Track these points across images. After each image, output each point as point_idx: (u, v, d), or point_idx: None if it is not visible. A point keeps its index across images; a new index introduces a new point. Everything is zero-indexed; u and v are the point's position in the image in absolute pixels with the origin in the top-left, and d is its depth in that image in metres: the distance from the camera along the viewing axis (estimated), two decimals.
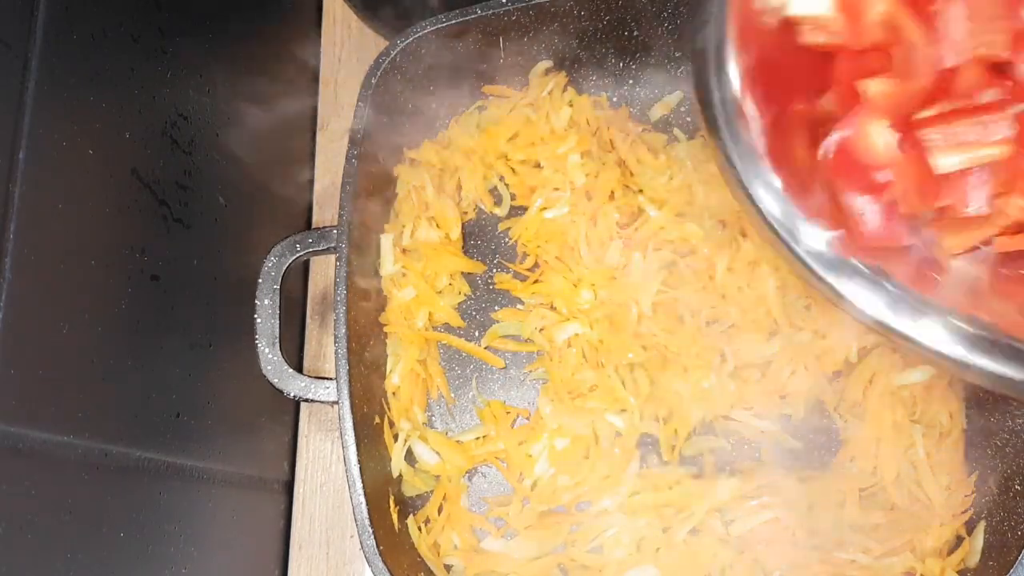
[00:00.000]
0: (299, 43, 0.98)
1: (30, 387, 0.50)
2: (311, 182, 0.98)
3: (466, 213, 0.87)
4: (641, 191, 0.83)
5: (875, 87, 0.49)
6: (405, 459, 0.80)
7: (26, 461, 0.49)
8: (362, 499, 0.69)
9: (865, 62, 0.50)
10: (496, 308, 0.85)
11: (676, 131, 0.87)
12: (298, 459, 0.89)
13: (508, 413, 0.81)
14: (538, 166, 0.86)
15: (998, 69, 0.47)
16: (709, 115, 0.55)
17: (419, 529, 0.78)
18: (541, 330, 0.82)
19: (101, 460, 0.57)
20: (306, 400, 0.73)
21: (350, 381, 0.72)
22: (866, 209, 0.50)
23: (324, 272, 0.94)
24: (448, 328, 0.85)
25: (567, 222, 0.83)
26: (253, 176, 0.85)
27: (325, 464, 0.89)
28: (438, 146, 0.87)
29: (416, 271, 0.83)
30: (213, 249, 0.75)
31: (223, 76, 0.78)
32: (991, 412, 0.75)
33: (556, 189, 0.84)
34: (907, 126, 0.49)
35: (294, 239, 0.75)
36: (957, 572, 0.72)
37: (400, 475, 0.80)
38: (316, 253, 0.76)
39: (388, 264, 0.83)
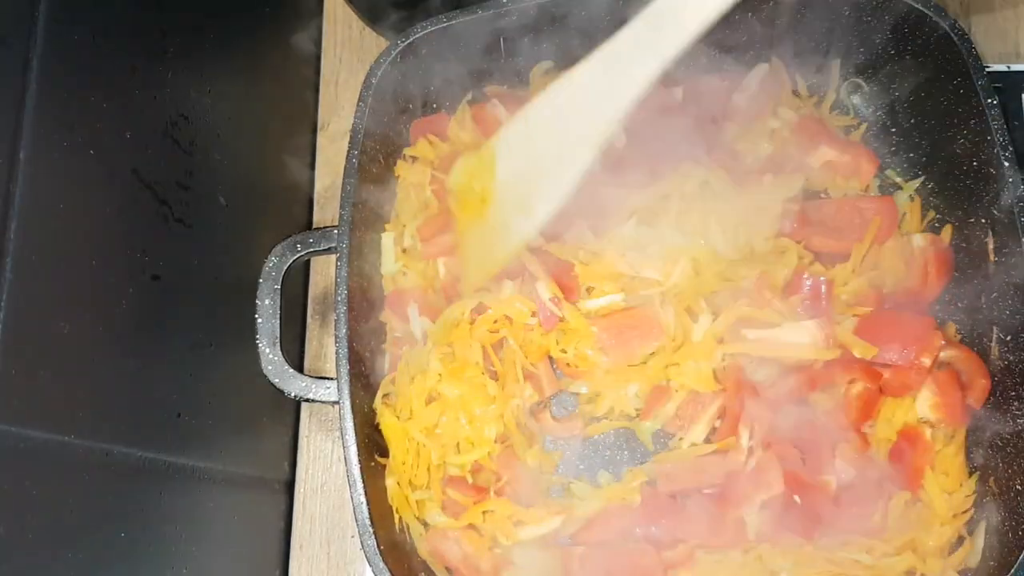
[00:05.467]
0: (300, 43, 0.98)
1: (30, 387, 0.50)
2: (311, 182, 0.98)
3: None
4: None
5: None
6: None
7: (26, 461, 0.49)
8: (363, 499, 0.69)
9: None
10: None
11: None
12: (299, 459, 0.89)
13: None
14: None
15: None
16: None
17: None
18: None
19: (102, 460, 0.57)
20: (307, 400, 0.73)
21: (351, 381, 0.72)
22: None
23: (325, 272, 0.94)
24: None
25: None
26: (254, 176, 0.85)
27: (326, 464, 0.89)
28: (438, 145, 0.87)
29: (417, 270, 0.83)
30: (214, 249, 0.75)
31: (224, 76, 0.78)
32: (992, 413, 0.75)
33: None
34: None
35: (295, 239, 0.75)
36: (958, 572, 0.72)
37: None
38: (317, 253, 0.76)
39: (389, 263, 0.83)
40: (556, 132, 0.63)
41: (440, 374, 0.77)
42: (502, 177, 0.67)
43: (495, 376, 0.78)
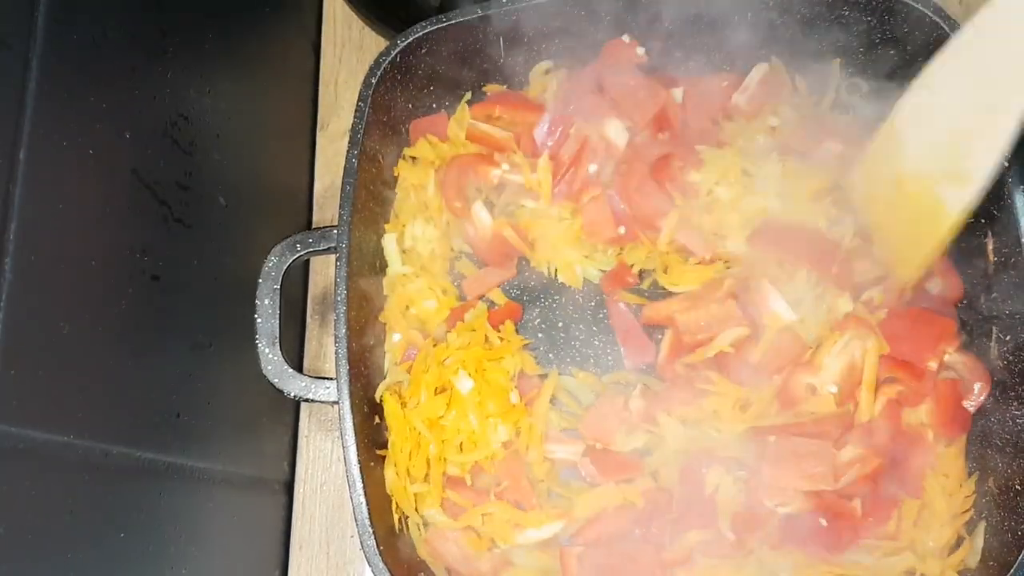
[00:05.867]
0: (299, 43, 0.98)
1: (30, 387, 0.50)
2: (311, 182, 0.98)
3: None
4: None
5: None
6: None
7: (26, 461, 0.49)
8: (362, 499, 0.69)
9: None
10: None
11: None
12: (298, 459, 0.89)
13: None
14: None
15: None
16: None
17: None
18: None
19: (101, 460, 0.57)
20: (306, 400, 0.73)
21: (350, 381, 0.71)
22: None
23: (324, 272, 0.94)
24: None
25: None
26: (253, 176, 0.85)
27: (325, 464, 0.89)
28: (438, 146, 0.87)
29: (417, 268, 0.83)
30: (213, 249, 0.75)
31: (223, 76, 0.78)
32: (991, 413, 0.75)
33: None
34: None
35: (294, 239, 0.75)
36: (957, 572, 0.72)
37: None
38: (316, 253, 0.76)
39: (396, 264, 0.83)
40: (970, 87, 0.57)
41: (461, 362, 0.76)
42: (915, 152, 0.62)
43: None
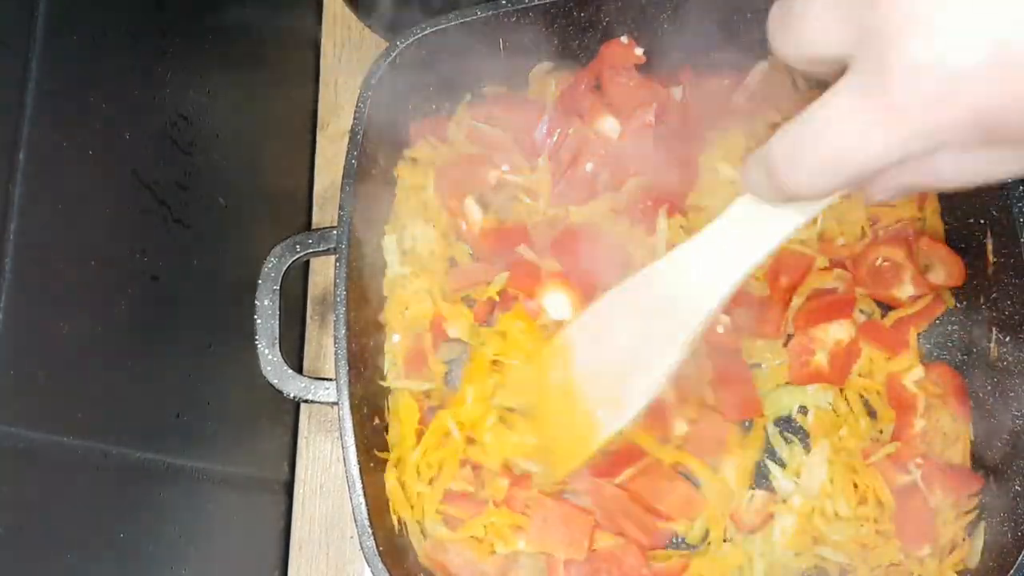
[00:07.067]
0: (299, 43, 0.98)
1: (30, 387, 0.50)
2: (311, 182, 0.98)
3: None
4: None
5: None
6: None
7: (26, 461, 0.49)
8: (362, 500, 0.69)
9: None
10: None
11: None
12: (298, 459, 0.89)
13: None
14: None
15: None
16: None
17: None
18: None
19: (101, 460, 0.57)
20: (306, 401, 0.73)
21: (350, 382, 0.71)
22: None
23: (324, 273, 0.94)
24: None
25: None
26: (253, 176, 0.86)
27: (325, 464, 0.89)
28: (437, 146, 0.87)
29: (417, 269, 0.83)
30: (213, 249, 0.75)
31: (223, 76, 0.78)
32: (992, 413, 0.75)
33: None
34: None
35: (294, 240, 0.75)
36: (957, 573, 0.72)
37: None
38: (316, 254, 0.76)
39: (395, 266, 0.83)
40: (636, 329, 0.59)
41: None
42: (580, 369, 0.64)
43: None
